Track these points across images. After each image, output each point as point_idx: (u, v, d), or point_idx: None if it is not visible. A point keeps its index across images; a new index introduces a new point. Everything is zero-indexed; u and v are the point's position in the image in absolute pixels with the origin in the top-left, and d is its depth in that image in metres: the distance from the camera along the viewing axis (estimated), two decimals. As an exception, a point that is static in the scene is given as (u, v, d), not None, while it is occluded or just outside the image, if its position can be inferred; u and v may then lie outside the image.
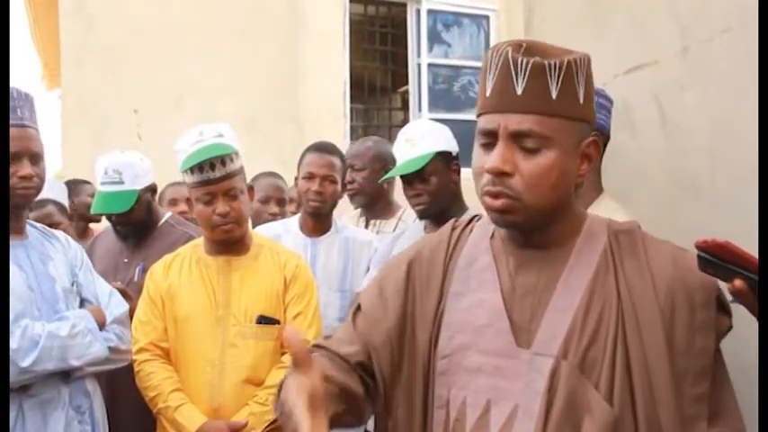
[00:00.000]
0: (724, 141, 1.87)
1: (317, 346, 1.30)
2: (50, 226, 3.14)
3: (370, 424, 2.60)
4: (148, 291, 2.31)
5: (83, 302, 2.09)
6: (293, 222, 2.81)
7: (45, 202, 3.15)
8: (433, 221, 2.39)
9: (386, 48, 6.82)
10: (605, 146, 2.01)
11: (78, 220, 3.80)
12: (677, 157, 2.03)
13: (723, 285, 1.06)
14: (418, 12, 6.39)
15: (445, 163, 2.34)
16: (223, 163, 2.17)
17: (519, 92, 1.11)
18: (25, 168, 1.91)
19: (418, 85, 6.40)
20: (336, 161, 2.70)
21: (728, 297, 1.07)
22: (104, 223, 3.44)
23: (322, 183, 2.64)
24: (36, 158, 1.95)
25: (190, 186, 2.24)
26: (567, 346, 1.11)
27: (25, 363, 1.81)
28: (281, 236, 2.68)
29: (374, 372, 1.25)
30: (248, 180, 2.43)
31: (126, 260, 2.80)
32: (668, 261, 1.13)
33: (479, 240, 1.28)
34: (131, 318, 2.24)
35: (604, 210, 1.75)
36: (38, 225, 2.15)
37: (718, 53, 1.88)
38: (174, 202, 3.50)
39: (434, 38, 6.52)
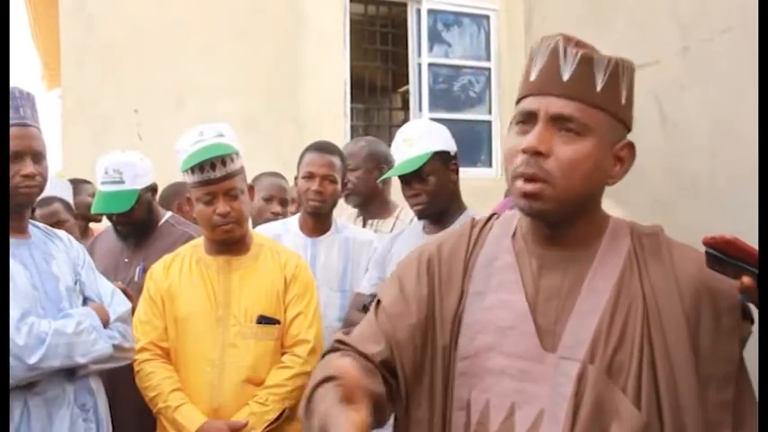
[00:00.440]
0: (724, 141, 1.87)
1: (341, 342, 1.26)
2: (57, 223, 3.19)
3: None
4: (148, 290, 2.31)
5: (85, 301, 2.09)
6: (293, 222, 2.81)
7: (52, 199, 3.18)
8: (431, 221, 2.40)
9: (386, 47, 6.81)
10: None
11: (79, 219, 3.80)
12: (677, 157, 2.03)
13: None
14: (419, 11, 6.39)
15: (443, 163, 2.34)
16: (223, 163, 2.17)
17: (565, 78, 1.11)
18: (28, 167, 1.91)
19: (419, 84, 6.40)
20: (336, 161, 2.70)
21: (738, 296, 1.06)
22: (104, 223, 3.45)
23: (322, 182, 2.64)
24: (38, 157, 1.95)
25: (190, 186, 2.24)
26: (593, 350, 1.10)
27: (32, 360, 1.82)
28: (281, 236, 2.68)
29: (396, 370, 1.22)
30: (250, 179, 2.43)
31: (126, 260, 2.80)
32: (694, 266, 1.12)
33: (500, 239, 1.26)
34: (132, 317, 2.24)
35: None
36: (40, 224, 2.15)
37: (718, 53, 1.88)
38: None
39: (435, 37, 6.51)
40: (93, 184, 3.45)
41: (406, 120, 6.63)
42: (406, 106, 7.02)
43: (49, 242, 2.08)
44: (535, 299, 1.17)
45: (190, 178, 2.21)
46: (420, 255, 1.31)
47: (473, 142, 6.50)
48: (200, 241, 2.36)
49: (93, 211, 2.89)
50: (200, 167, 2.16)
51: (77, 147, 5.11)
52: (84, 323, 1.95)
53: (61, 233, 2.19)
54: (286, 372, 2.21)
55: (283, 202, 3.40)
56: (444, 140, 2.38)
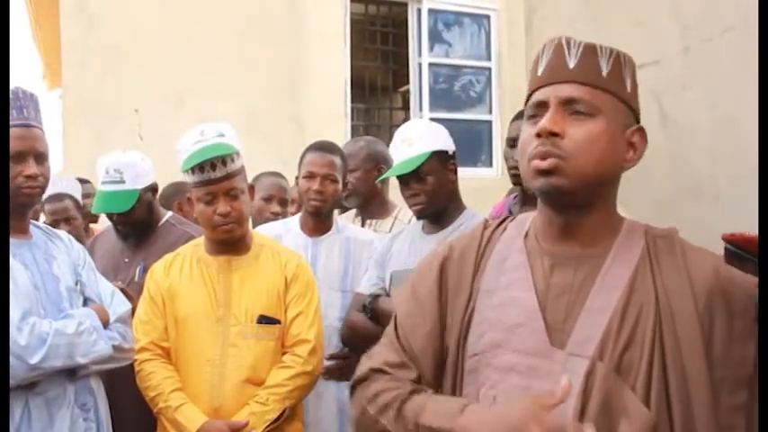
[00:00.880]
0: (725, 141, 1.87)
1: (379, 371, 1.28)
2: (65, 220, 3.22)
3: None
4: (149, 290, 2.31)
5: (86, 301, 2.10)
6: (294, 222, 2.81)
7: (63, 195, 3.21)
8: (430, 221, 2.39)
9: (387, 47, 6.81)
10: None
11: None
12: (678, 156, 2.03)
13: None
14: (419, 11, 6.39)
15: (442, 162, 2.34)
16: (224, 163, 2.17)
17: (571, 66, 1.16)
18: (30, 168, 1.92)
19: (419, 84, 6.40)
20: (337, 160, 2.69)
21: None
22: (102, 223, 3.45)
23: (323, 182, 2.64)
24: (41, 158, 1.96)
25: (191, 186, 2.24)
26: (603, 347, 1.10)
27: (34, 360, 1.82)
28: (281, 235, 2.68)
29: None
30: (251, 179, 2.43)
31: (126, 260, 2.80)
32: (708, 268, 1.12)
33: (513, 239, 1.27)
34: (132, 317, 2.24)
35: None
36: (41, 225, 2.16)
37: (719, 52, 1.88)
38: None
39: (435, 37, 6.51)
40: (92, 183, 3.46)
41: (406, 119, 6.62)
42: (406, 106, 7.02)
43: (49, 242, 2.08)
44: (545, 296, 1.17)
45: (190, 178, 2.21)
46: (433, 259, 1.33)
47: (473, 142, 6.50)
48: (200, 241, 2.36)
49: (93, 210, 2.89)
50: (200, 167, 2.16)
51: (78, 146, 5.11)
52: (84, 324, 1.95)
53: (62, 234, 2.19)
54: (286, 371, 2.20)
55: (283, 202, 3.39)
56: (442, 140, 2.38)
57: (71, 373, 1.95)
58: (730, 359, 1.08)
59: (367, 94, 6.93)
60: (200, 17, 5.45)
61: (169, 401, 2.15)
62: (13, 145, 1.89)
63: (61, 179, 3.45)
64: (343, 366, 2.60)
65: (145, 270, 2.55)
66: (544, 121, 1.13)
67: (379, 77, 7.08)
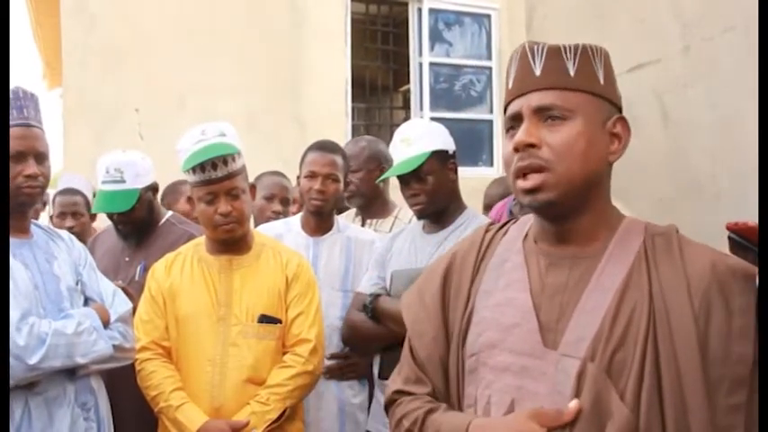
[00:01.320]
0: (726, 140, 1.87)
1: (403, 392, 1.30)
2: (73, 214, 3.24)
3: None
4: (150, 289, 2.31)
5: (87, 301, 2.10)
6: (295, 221, 2.80)
7: (75, 191, 3.23)
8: (431, 221, 2.39)
9: (387, 47, 6.81)
10: None
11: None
12: (679, 155, 2.03)
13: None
14: (420, 11, 6.38)
15: (441, 162, 2.33)
16: (225, 162, 2.17)
17: (537, 73, 1.15)
18: (30, 168, 1.92)
19: (420, 83, 6.39)
20: (338, 160, 2.69)
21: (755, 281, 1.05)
22: (101, 222, 3.45)
23: (324, 181, 2.63)
24: (41, 158, 1.96)
25: (192, 186, 2.24)
26: (594, 347, 1.09)
27: (33, 360, 1.82)
28: (282, 235, 2.68)
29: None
30: (252, 179, 2.42)
31: (127, 259, 2.80)
32: (706, 265, 1.10)
33: (513, 242, 1.28)
34: (133, 316, 2.24)
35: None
36: (42, 225, 2.16)
37: (720, 51, 1.88)
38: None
39: (436, 37, 6.50)
40: (92, 183, 3.46)
41: (407, 119, 6.62)
42: (407, 105, 7.01)
43: (51, 242, 2.08)
44: (540, 296, 1.17)
45: (191, 178, 2.21)
46: (438, 264, 1.35)
47: (474, 142, 6.49)
48: (201, 240, 2.36)
49: (93, 210, 2.90)
50: (201, 167, 2.16)
51: (78, 146, 5.10)
52: (84, 323, 1.95)
53: (63, 233, 2.19)
54: (287, 371, 2.20)
55: (284, 202, 3.39)
56: (442, 140, 2.37)
57: (71, 373, 1.95)
58: (729, 358, 1.06)
59: (367, 93, 6.93)
60: (200, 17, 5.45)
61: (170, 401, 2.15)
62: (14, 145, 1.89)
63: (75, 176, 3.48)
64: (344, 366, 2.60)
65: (145, 269, 2.55)
66: (520, 134, 1.13)
67: (379, 77, 7.07)
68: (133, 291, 2.43)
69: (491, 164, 6.53)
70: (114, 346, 2.03)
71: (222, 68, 5.40)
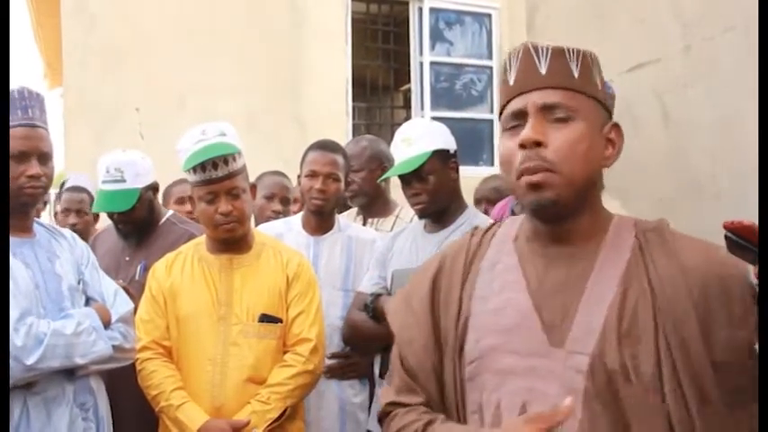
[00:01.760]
0: (726, 139, 1.87)
1: (397, 404, 1.28)
2: (77, 211, 3.26)
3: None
4: (150, 289, 2.31)
5: (88, 301, 2.09)
6: (296, 221, 2.80)
7: (82, 189, 3.25)
8: (432, 220, 2.39)
9: (388, 46, 6.80)
10: None
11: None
12: (679, 155, 2.03)
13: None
14: (420, 10, 6.38)
15: (443, 161, 2.34)
16: (225, 162, 2.17)
17: (543, 71, 1.15)
18: (33, 168, 1.92)
19: (420, 83, 6.39)
20: (339, 159, 2.69)
21: (753, 281, 1.06)
22: (102, 223, 3.46)
23: (325, 181, 2.64)
24: (45, 158, 1.96)
25: (192, 185, 2.24)
26: (603, 342, 1.09)
27: (30, 360, 1.81)
28: (283, 234, 2.68)
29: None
30: (252, 179, 2.43)
31: (127, 258, 2.80)
32: (701, 257, 1.12)
33: (502, 243, 1.27)
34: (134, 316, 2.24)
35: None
36: (45, 223, 2.16)
37: (720, 51, 1.88)
38: (181, 201, 3.47)
39: (437, 36, 6.50)
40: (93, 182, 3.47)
41: (407, 118, 6.62)
42: (407, 105, 7.01)
43: (53, 241, 2.08)
44: (540, 296, 1.17)
45: (192, 177, 2.21)
46: (426, 270, 1.33)
47: (475, 141, 6.49)
48: (202, 240, 2.36)
49: (94, 209, 2.91)
50: (201, 167, 2.16)
51: (79, 146, 5.11)
52: (84, 324, 1.94)
53: (66, 232, 2.19)
54: (288, 370, 2.21)
55: (285, 201, 3.39)
56: (443, 139, 2.37)
57: (70, 373, 1.95)
58: (731, 345, 1.07)
59: (368, 92, 6.93)
60: (200, 17, 5.45)
61: (171, 400, 2.15)
62: (17, 144, 1.88)
63: (81, 176, 3.49)
64: (344, 365, 2.60)
65: (146, 269, 2.56)
66: (527, 131, 1.13)
67: (380, 76, 7.07)
68: (134, 290, 2.43)
69: (492, 163, 6.52)
70: (114, 346, 2.03)
71: (222, 68, 5.40)
